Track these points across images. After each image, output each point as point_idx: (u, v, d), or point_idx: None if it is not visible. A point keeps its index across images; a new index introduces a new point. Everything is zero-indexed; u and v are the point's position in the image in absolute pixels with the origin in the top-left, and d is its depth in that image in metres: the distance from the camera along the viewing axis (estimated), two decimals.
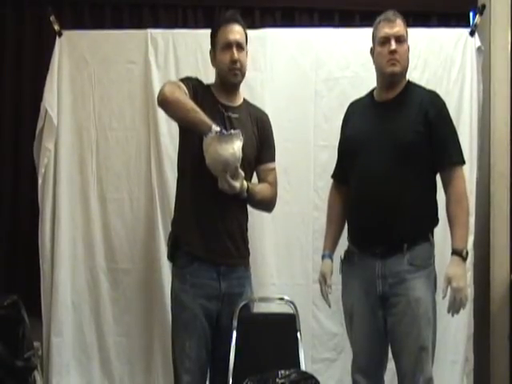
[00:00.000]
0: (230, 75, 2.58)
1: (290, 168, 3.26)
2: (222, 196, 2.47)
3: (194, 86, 2.58)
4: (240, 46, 2.58)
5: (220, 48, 2.59)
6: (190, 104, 2.44)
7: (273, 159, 2.71)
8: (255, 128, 2.65)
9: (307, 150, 3.30)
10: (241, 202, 2.58)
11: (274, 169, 2.71)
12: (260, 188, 2.63)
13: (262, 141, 2.66)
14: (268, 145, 2.69)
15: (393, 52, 2.47)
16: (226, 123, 2.55)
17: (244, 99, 2.71)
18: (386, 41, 2.49)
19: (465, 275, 2.43)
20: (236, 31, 2.59)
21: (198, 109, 2.42)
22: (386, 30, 2.50)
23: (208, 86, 2.66)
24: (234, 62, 2.55)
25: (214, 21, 3.48)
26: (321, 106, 3.29)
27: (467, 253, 2.44)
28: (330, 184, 2.84)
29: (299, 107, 3.30)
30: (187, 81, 2.60)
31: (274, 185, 2.70)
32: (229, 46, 2.56)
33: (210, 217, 2.51)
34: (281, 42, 3.31)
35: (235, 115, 2.60)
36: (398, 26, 2.50)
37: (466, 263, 2.45)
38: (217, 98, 2.61)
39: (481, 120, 3.30)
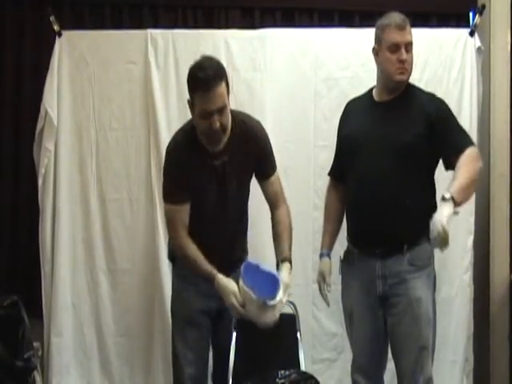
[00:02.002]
0: (211, 142, 2.41)
1: (289, 168, 3.25)
2: (221, 220, 2.51)
3: (179, 179, 2.43)
4: (221, 110, 2.33)
5: (198, 115, 2.35)
6: (194, 256, 2.42)
7: (273, 170, 2.60)
8: (249, 147, 2.49)
9: (307, 150, 3.30)
10: (242, 219, 2.64)
11: (276, 179, 2.61)
12: (284, 239, 2.51)
13: (260, 158, 2.54)
14: (265, 159, 2.56)
15: (404, 61, 2.47)
16: (219, 171, 2.46)
17: (233, 120, 2.43)
18: (396, 49, 2.48)
19: (446, 213, 2.26)
20: (215, 98, 2.29)
21: (201, 260, 2.40)
22: (397, 38, 2.47)
23: (193, 141, 2.43)
24: (214, 130, 2.34)
25: (213, 22, 3.52)
26: (320, 106, 3.29)
27: (453, 198, 2.27)
28: None
29: (299, 107, 3.30)
30: (174, 191, 2.45)
31: (280, 197, 2.59)
32: (209, 114, 2.32)
33: (210, 241, 2.48)
34: (281, 42, 3.31)
35: (225, 158, 2.45)
36: (409, 34, 2.50)
37: (451, 205, 2.27)
38: (203, 150, 2.43)
39: (481, 120, 3.31)
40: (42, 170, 3.27)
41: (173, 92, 3.29)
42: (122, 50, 3.32)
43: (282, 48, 3.31)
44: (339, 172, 2.70)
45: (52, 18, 3.27)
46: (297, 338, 2.61)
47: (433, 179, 2.55)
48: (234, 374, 2.52)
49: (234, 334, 2.57)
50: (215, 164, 2.45)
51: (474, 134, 3.22)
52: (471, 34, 3.25)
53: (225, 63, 3.24)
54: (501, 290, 3.36)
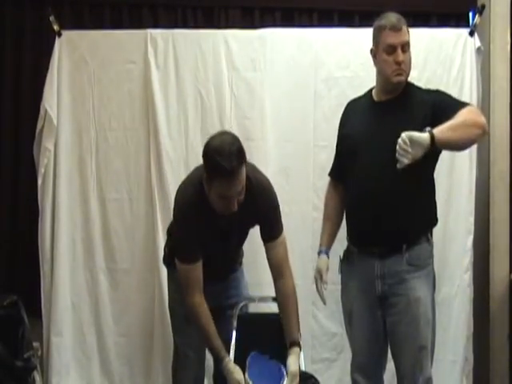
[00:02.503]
0: (224, 212, 2.30)
1: (289, 168, 3.26)
2: (220, 258, 2.51)
3: (191, 238, 2.36)
4: (240, 192, 2.25)
5: (215, 194, 2.25)
6: (206, 327, 2.38)
7: (279, 232, 2.47)
8: (256, 206, 2.38)
9: (307, 150, 3.30)
10: (240, 241, 2.63)
11: (282, 242, 2.47)
12: (292, 317, 2.42)
13: (266, 217, 2.44)
14: (272, 219, 2.45)
15: (400, 63, 2.46)
16: (224, 229, 2.41)
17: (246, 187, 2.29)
18: (392, 50, 2.47)
19: (416, 133, 2.24)
20: (236, 185, 2.21)
21: (213, 334, 2.37)
22: (392, 39, 2.46)
23: (202, 200, 2.32)
24: (229, 210, 2.27)
25: (213, 22, 3.51)
26: (320, 106, 3.29)
27: (430, 132, 2.25)
28: None
29: (299, 107, 3.29)
30: (188, 251, 2.38)
31: (285, 263, 2.47)
32: (228, 197, 2.23)
33: (209, 267, 2.45)
34: (280, 42, 3.31)
35: (231, 217, 2.33)
36: (404, 35, 2.48)
37: (427, 136, 2.24)
38: (210, 209, 2.32)
39: None
40: (41, 170, 3.27)
41: (173, 92, 3.30)
42: (121, 50, 3.32)
43: (282, 48, 3.31)
44: (339, 172, 2.70)
45: (52, 18, 3.27)
46: None
47: (432, 179, 2.55)
48: None
49: (234, 334, 2.58)
50: (221, 223, 2.39)
51: None
52: (471, 33, 3.25)
53: (225, 63, 3.29)
54: (501, 289, 3.36)
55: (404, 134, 2.22)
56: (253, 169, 2.43)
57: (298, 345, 2.38)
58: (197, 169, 2.42)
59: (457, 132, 2.30)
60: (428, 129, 2.27)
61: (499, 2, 3.40)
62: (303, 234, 3.25)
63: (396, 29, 2.47)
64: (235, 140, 2.25)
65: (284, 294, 2.45)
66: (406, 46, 2.48)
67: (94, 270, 3.32)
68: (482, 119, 2.38)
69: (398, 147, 2.23)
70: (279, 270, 2.46)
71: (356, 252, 2.56)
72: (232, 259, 2.66)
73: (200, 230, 2.35)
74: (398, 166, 2.26)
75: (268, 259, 2.48)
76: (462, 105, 2.43)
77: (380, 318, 2.50)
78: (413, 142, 2.22)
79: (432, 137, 2.24)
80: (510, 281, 3.34)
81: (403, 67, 2.47)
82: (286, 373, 2.32)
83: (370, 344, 2.54)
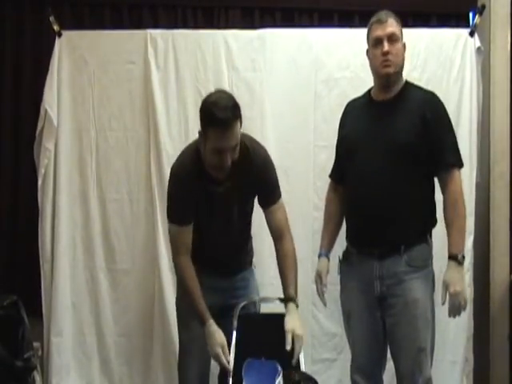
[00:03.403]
0: (218, 173, 2.37)
1: (289, 168, 3.26)
2: (224, 237, 2.52)
3: (183, 200, 2.41)
4: (234, 148, 2.30)
5: (209, 149, 2.31)
6: (191, 287, 2.41)
7: (277, 197, 2.53)
8: (253, 173, 2.44)
9: (307, 150, 3.30)
10: (244, 230, 2.63)
11: (281, 207, 2.53)
12: (291, 275, 2.46)
13: (263, 184, 2.49)
14: (269, 186, 2.51)
15: (386, 53, 2.46)
16: (222, 197, 2.43)
17: (241, 153, 2.36)
18: (378, 42, 2.48)
19: (462, 279, 2.43)
20: (230, 137, 2.26)
21: (197, 295, 2.40)
22: (377, 32, 2.49)
23: (198, 166, 2.39)
24: (224, 166, 2.32)
25: (213, 22, 3.51)
26: (320, 107, 3.29)
27: (463, 257, 2.44)
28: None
29: (299, 108, 3.29)
30: (178, 212, 2.44)
31: (285, 227, 2.51)
32: (221, 151, 2.29)
33: (213, 254, 2.51)
34: (280, 43, 3.31)
35: (228, 184, 2.41)
36: (390, 26, 2.48)
37: (463, 267, 2.45)
38: (207, 176, 2.39)
39: (481, 120, 3.30)
40: (41, 170, 3.27)
41: (173, 92, 3.30)
42: (121, 50, 3.32)
43: (282, 48, 3.31)
44: (339, 174, 2.70)
45: (52, 18, 3.28)
46: None
47: (432, 178, 2.54)
48: (235, 374, 2.51)
49: (235, 334, 2.57)
50: (219, 190, 2.42)
51: (474, 134, 3.24)
52: (471, 34, 3.25)
53: (225, 63, 3.28)
54: (501, 290, 3.35)
55: (462, 301, 2.41)
56: (250, 139, 2.49)
57: (294, 301, 2.41)
58: (195, 140, 2.48)
59: (462, 230, 2.50)
60: (460, 259, 2.44)
61: (499, 1, 3.39)
62: (303, 233, 3.24)
63: (381, 21, 2.49)
64: (231, 97, 2.33)
65: (282, 254, 2.50)
66: (393, 37, 2.47)
67: (94, 270, 3.32)
68: (462, 191, 2.51)
69: (455, 307, 2.41)
70: (279, 232, 2.51)
71: (355, 253, 2.56)
72: (237, 247, 2.62)
73: (197, 195, 2.39)
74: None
75: (268, 223, 2.53)
76: (451, 160, 2.47)
77: (379, 318, 2.51)
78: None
79: (460, 260, 2.43)
80: (511, 281, 3.34)
81: (390, 58, 2.46)
82: (281, 368, 2.33)
83: (370, 345, 2.54)
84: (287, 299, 2.42)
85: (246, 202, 2.56)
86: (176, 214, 2.46)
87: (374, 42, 2.50)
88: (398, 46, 2.49)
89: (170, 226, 2.50)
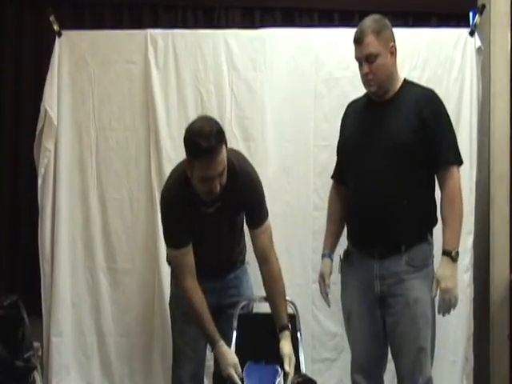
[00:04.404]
0: (208, 198, 2.36)
1: (289, 168, 3.26)
2: (216, 250, 2.53)
3: (177, 225, 2.40)
4: (221, 173, 2.28)
5: (197, 177, 2.29)
6: (199, 312, 2.41)
7: (265, 218, 2.51)
8: (241, 192, 2.43)
9: (307, 150, 3.30)
10: (236, 239, 2.64)
11: (267, 228, 2.52)
12: (280, 303, 2.49)
13: (251, 203, 2.49)
14: (257, 205, 2.49)
15: (366, 75, 2.48)
16: (212, 217, 2.44)
17: (228, 172, 2.34)
18: (359, 63, 2.51)
19: (454, 276, 2.42)
20: (217, 165, 2.24)
21: (206, 318, 2.40)
22: (356, 54, 2.51)
23: (187, 191, 2.37)
24: (213, 192, 2.31)
25: (213, 22, 3.52)
26: (321, 106, 3.29)
27: (457, 253, 2.42)
28: (329, 184, 2.83)
29: (299, 107, 3.29)
30: (175, 236, 2.43)
31: (271, 249, 2.51)
32: (209, 179, 2.27)
33: (206, 262, 2.48)
34: (281, 43, 3.31)
35: (218, 204, 2.40)
36: (366, 47, 2.46)
37: (456, 264, 2.43)
38: (196, 198, 2.38)
39: (480, 120, 3.30)
40: (41, 170, 3.27)
41: (173, 92, 3.30)
42: (121, 49, 3.33)
43: (282, 48, 3.31)
44: (341, 175, 2.70)
45: (52, 18, 3.27)
46: (297, 337, 2.59)
47: (432, 178, 2.54)
48: None
49: (235, 333, 2.57)
50: (209, 211, 2.43)
51: (473, 134, 3.24)
52: (471, 33, 3.25)
53: (225, 63, 3.28)
54: (501, 289, 3.35)
55: (452, 298, 2.41)
56: (237, 157, 2.48)
57: (288, 328, 2.45)
58: (182, 161, 2.46)
59: (457, 227, 2.46)
60: (454, 255, 2.43)
61: (499, 1, 3.40)
62: (304, 233, 3.25)
63: (358, 41, 2.50)
64: (214, 122, 2.31)
65: (270, 278, 2.51)
66: (370, 57, 2.46)
67: (94, 270, 3.32)
68: (460, 189, 2.48)
69: (445, 304, 2.41)
70: (264, 256, 2.51)
71: (355, 252, 2.56)
72: (229, 251, 2.63)
73: (186, 217, 2.39)
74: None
75: (253, 245, 2.54)
76: (449, 158, 2.47)
77: (379, 318, 2.50)
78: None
79: (454, 256, 2.42)
80: (511, 281, 3.34)
81: (370, 77, 2.47)
82: (281, 368, 2.35)
83: (369, 344, 2.54)
84: (282, 328, 2.44)
85: (236, 216, 2.57)
86: (172, 238, 2.47)
87: (358, 61, 2.52)
88: (378, 62, 2.46)
89: (169, 250, 2.51)
